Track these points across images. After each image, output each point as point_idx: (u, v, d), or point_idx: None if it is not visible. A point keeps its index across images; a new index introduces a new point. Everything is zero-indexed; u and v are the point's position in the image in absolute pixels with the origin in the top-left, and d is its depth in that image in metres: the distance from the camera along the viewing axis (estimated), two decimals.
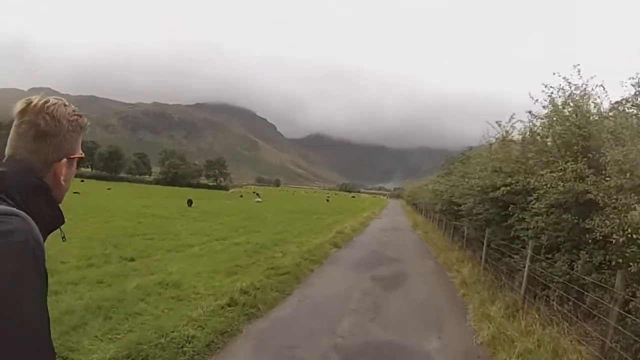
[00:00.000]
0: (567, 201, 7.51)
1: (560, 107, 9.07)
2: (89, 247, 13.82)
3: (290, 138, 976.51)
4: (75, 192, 51.41)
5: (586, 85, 8.84)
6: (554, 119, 8.99)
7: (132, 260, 12.50)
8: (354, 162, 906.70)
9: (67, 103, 1.46)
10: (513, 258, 10.15)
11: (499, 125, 13.75)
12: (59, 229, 1.47)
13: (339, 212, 47.95)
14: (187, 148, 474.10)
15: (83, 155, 1.53)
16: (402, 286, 11.76)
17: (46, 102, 1.40)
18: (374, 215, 46.72)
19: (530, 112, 10.59)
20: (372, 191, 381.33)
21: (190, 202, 44.15)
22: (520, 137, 12.29)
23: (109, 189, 77.59)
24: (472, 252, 15.14)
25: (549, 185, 7.68)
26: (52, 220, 1.41)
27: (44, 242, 1.30)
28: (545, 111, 9.62)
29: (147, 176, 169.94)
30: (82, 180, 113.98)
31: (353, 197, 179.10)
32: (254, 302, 8.52)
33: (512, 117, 13.34)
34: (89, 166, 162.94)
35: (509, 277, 10.47)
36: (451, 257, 15.99)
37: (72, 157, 1.47)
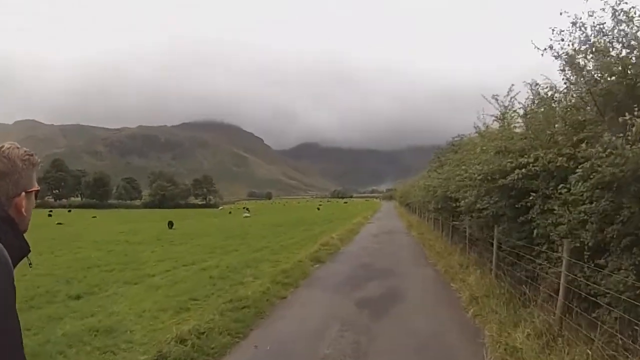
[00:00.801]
0: (625, 177, 4.85)
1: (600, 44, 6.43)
2: (38, 285, 12.44)
3: (279, 149, 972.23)
4: (58, 224, 51.03)
5: None
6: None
7: (77, 298, 11.08)
8: (345, 168, 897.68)
9: (18, 146, 1.69)
10: (536, 262, 7.68)
11: (496, 100, 11.34)
12: (26, 258, 1.67)
13: (328, 221, 45.28)
14: (176, 169, 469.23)
15: (39, 188, 1.78)
16: (395, 310, 9.25)
17: (1, 147, 1.63)
18: (365, 220, 44.16)
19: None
20: (365, 195, 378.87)
21: (170, 225, 41.61)
22: (524, 111, 9.94)
23: (94, 217, 75.19)
24: (478, 256, 12.50)
25: (600, 155, 5.03)
26: (19, 250, 1.60)
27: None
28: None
29: (137, 201, 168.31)
30: (69, 210, 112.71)
31: (345, 202, 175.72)
32: (191, 356, 6.46)
33: (510, 90, 10.94)
34: (79, 195, 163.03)
35: (532, 288, 7.92)
36: (453, 263, 13.49)
37: (29, 190, 1.70)
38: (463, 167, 11.06)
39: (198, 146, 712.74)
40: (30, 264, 1.72)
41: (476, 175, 9.26)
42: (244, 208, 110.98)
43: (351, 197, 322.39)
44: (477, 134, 15.00)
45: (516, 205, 8.12)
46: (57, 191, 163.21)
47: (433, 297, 10.34)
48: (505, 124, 11.25)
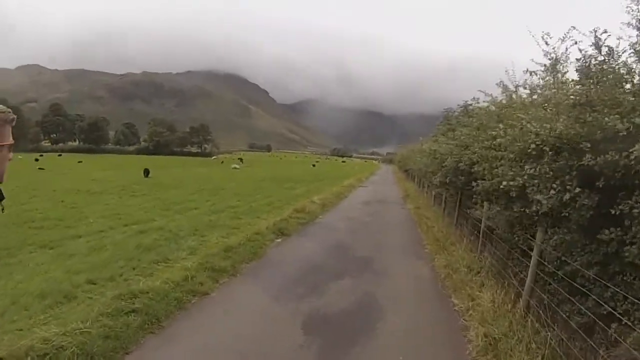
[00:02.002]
0: None
1: None
2: None
3: (283, 103, 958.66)
4: (39, 169, 49.64)
5: None
6: None
7: None
8: (348, 127, 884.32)
9: None
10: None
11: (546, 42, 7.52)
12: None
13: (318, 179, 41.99)
14: (178, 117, 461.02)
15: (11, 142, 1.94)
16: (358, 352, 5.52)
17: None
18: (359, 183, 40.56)
19: None
20: (365, 156, 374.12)
21: (146, 173, 38.85)
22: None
23: (79, 162, 72.94)
24: (497, 262, 8.65)
25: None
26: None
27: None
28: None
29: (132, 146, 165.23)
30: (60, 155, 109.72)
31: (343, 161, 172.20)
32: None
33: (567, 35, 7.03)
34: (77, 140, 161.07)
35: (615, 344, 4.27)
36: (457, 261, 9.82)
37: (1, 144, 1.88)
38: (500, 128, 6.99)
39: (202, 95, 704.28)
40: (2, 209, 1.98)
41: (529, 140, 5.40)
42: (238, 159, 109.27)
43: (351, 156, 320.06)
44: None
45: (611, 209, 4.26)
46: (54, 135, 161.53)
47: (425, 325, 6.56)
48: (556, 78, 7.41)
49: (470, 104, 18.10)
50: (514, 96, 10.10)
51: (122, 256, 9.41)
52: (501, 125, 7.06)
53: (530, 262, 6.24)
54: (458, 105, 19.74)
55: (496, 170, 7.08)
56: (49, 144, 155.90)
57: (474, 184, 8.67)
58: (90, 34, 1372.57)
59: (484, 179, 8.21)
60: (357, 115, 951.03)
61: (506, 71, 9.98)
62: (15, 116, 1.93)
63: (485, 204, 9.60)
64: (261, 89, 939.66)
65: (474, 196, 10.41)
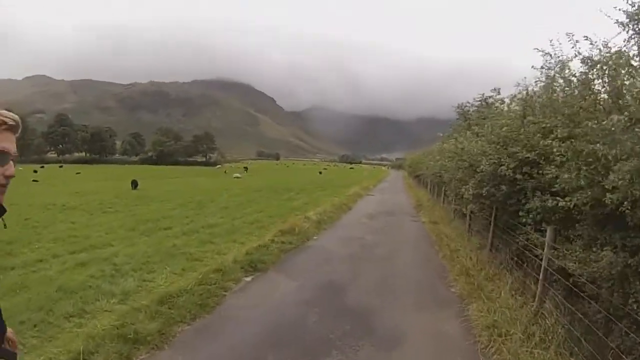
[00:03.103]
0: None
1: None
2: None
3: (291, 111, 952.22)
4: (34, 181, 48.19)
5: None
6: None
7: None
8: (356, 134, 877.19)
9: None
10: None
11: None
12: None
13: (322, 188, 38.51)
14: (185, 126, 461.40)
15: (2, 149, 1.58)
16: None
17: None
18: (366, 191, 37.04)
19: None
20: (374, 162, 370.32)
21: (134, 185, 36.14)
22: None
23: (78, 173, 72.01)
24: (585, 330, 5.15)
25: None
26: None
27: None
28: None
29: (135, 157, 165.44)
30: (61, 166, 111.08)
31: (351, 168, 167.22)
32: None
33: None
34: (83, 151, 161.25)
35: None
36: (504, 314, 6.48)
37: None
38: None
39: (209, 103, 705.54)
40: (4, 225, 1.70)
41: None
42: (243, 168, 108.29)
43: (360, 163, 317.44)
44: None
45: None
46: (61, 146, 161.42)
47: None
48: None
49: (491, 96, 15.35)
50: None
51: (35, 303, 6.94)
52: None
53: None
54: (474, 99, 17.05)
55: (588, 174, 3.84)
56: (55, 154, 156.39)
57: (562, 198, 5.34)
58: (96, 44, 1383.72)
59: (551, 191, 5.40)
60: (366, 121, 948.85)
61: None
62: (14, 123, 1.59)
63: (550, 229, 6.28)
64: (268, 96, 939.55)
65: (523, 214, 7.16)
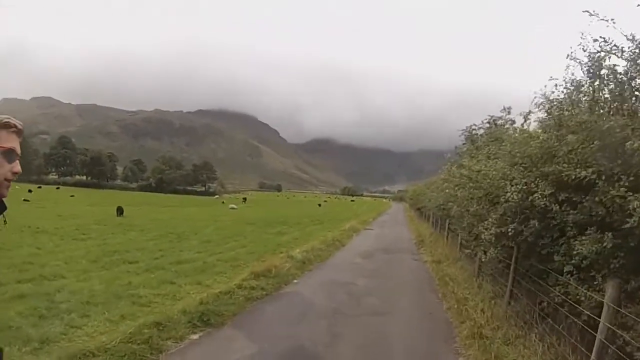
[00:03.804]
0: None
1: None
2: None
3: (294, 143, 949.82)
4: (25, 200, 47.36)
5: None
6: None
7: None
8: (358, 166, 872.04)
9: None
10: None
11: None
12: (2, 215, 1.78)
13: (319, 222, 36.36)
14: (188, 155, 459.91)
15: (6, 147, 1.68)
16: None
17: None
18: (364, 225, 34.77)
19: None
20: (376, 194, 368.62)
21: (120, 212, 34.04)
22: None
23: (72, 196, 70.93)
24: None
25: None
26: None
27: None
28: None
29: (134, 183, 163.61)
30: (58, 188, 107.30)
31: (352, 200, 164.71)
32: None
33: None
34: (83, 174, 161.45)
35: None
36: None
37: None
38: None
39: (212, 133, 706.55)
40: (5, 221, 1.83)
41: None
42: (242, 199, 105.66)
43: (361, 195, 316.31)
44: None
45: None
46: (62, 169, 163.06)
47: None
48: None
49: (500, 117, 13.58)
50: None
51: None
52: None
53: None
54: (482, 121, 15.30)
55: None
56: (56, 176, 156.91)
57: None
58: (103, 70, 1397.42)
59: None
60: (368, 153, 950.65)
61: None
62: (20, 128, 1.72)
63: (613, 286, 4.26)
64: (271, 128, 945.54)
65: (560, 259, 5.12)
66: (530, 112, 8.70)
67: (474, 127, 15.85)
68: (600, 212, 4.91)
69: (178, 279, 11.16)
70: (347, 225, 30.66)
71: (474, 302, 9.04)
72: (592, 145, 4.92)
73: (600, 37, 5.44)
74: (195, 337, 6.94)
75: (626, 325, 4.55)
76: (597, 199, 4.90)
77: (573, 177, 5.11)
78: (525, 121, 9.44)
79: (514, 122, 12.51)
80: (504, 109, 13.29)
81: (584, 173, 4.90)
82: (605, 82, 5.63)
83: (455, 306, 9.15)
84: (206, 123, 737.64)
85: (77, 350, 5.77)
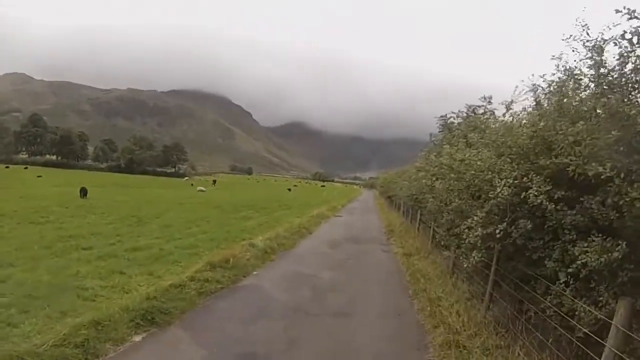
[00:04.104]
0: None
1: None
2: None
3: (267, 126, 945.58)
4: None
5: None
6: None
7: None
8: (331, 152, 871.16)
9: None
10: None
11: None
12: None
13: (286, 207, 35.67)
14: (160, 136, 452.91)
15: None
16: None
17: None
18: (334, 211, 34.02)
19: None
20: (347, 181, 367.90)
21: (83, 193, 32.62)
22: None
23: (39, 176, 68.42)
24: None
25: None
26: None
27: None
28: None
29: (105, 163, 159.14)
30: (26, 167, 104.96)
31: (323, 186, 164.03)
32: None
33: None
34: (55, 153, 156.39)
35: None
36: None
37: None
38: None
39: (185, 114, 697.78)
40: None
41: None
42: (212, 181, 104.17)
43: (332, 181, 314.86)
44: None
45: None
46: (33, 147, 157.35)
47: None
48: None
49: (481, 106, 13.20)
50: None
51: None
52: None
53: None
54: (460, 110, 14.62)
55: None
56: (26, 155, 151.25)
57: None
58: (78, 47, 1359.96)
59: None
60: (341, 140, 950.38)
61: None
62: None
63: (625, 305, 3.57)
64: (245, 110, 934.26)
65: (553, 265, 4.41)
66: (512, 101, 7.89)
67: (451, 114, 15.07)
68: (608, 215, 4.12)
69: (129, 268, 10.38)
70: (316, 210, 29.91)
71: (448, 302, 8.27)
72: (608, 137, 4.10)
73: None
74: (137, 338, 6.19)
75: (636, 352, 3.80)
76: (609, 200, 4.11)
77: (586, 173, 4.29)
78: (507, 111, 8.69)
79: (493, 112, 11.80)
80: (484, 98, 12.57)
81: (600, 169, 4.09)
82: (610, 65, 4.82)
83: (428, 307, 8.32)
84: (179, 103, 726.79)
85: (4, 356, 5.09)
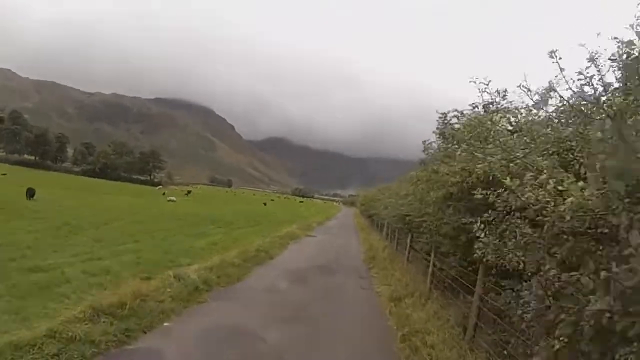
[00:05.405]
0: None
1: None
2: None
3: (249, 140, 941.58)
4: None
5: None
6: None
7: None
8: (312, 168, 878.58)
9: None
10: None
11: None
12: None
13: (255, 223, 31.81)
14: (142, 143, 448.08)
15: None
16: None
17: None
18: (307, 230, 30.29)
19: None
20: (327, 197, 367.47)
21: (30, 194, 30.31)
22: None
23: (4, 174, 65.50)
24: None
25: None
26: None
27: None
28: None
29: (76, 167, 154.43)
30: None
31: (301, 202, 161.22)
32: None
33: None
34: (30, 153, 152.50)
35: None
36: None
37: None
38: None
39: (168, 123, 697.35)
40: None
41: None
42: (187, 192, 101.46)
43: (312, 197, 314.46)
44: None
45: None
46: (11, 145, 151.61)
47: None
48: None
49: (491, 102, 9.58)
50: None
51: None
52: None
53: None
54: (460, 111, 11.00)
55: None
56: (4, 153, 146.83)
57: None
58: (65, 47, 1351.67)
59: None
60: (323, 156, 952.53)
61: None
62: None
63: None
64: (228, 123, 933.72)
65: None
66: (551, 89, 4.58)
67: (455, 112, 11.36)
68: None
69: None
70: (285, 229, 26.01)
71: None
72: None
73: None
74: None
75: None
76: None
77: None
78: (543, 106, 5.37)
79: (516, 110, 8.28)
80: (498, 92, 8.93)
81: None
82: None
83: None
84: (163, 112, 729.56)
85: None
